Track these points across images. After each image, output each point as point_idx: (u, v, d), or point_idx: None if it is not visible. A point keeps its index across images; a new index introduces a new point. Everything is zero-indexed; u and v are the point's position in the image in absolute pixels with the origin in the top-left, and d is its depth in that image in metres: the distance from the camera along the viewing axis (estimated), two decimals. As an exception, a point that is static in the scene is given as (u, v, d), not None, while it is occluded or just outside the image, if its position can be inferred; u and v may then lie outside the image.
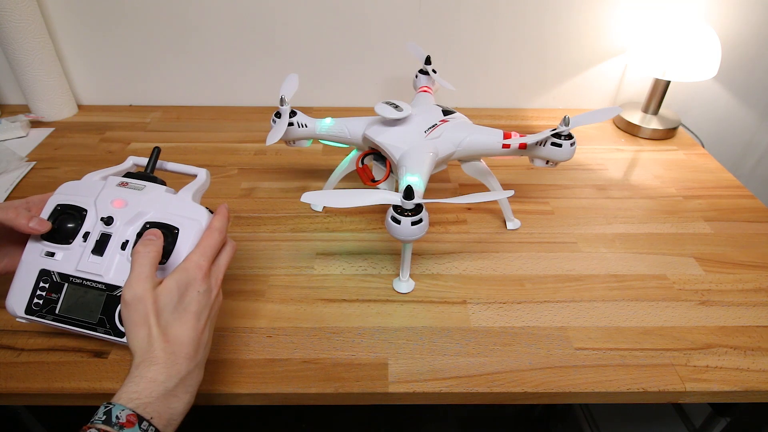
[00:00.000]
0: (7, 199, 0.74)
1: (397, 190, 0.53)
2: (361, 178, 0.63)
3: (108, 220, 0.46)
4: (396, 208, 0.51)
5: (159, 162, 0.53)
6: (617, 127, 0.98)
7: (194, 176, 0.52)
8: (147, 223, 0.46)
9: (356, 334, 0.54)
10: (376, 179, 0.64)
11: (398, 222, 0.50)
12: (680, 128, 0.97)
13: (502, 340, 0.54)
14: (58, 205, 0.48)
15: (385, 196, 0.51)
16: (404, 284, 0.60)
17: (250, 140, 0.90)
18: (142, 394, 0.36)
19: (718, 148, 1.09)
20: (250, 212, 0.72)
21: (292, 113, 0.63)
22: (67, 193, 0.49)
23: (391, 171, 0.61)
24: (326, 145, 0.89)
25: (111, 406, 0.35)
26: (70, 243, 0.47)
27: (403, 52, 0.95)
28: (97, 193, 0.48)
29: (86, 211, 0.48)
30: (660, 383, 0.50)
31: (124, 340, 0.44)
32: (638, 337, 0.55)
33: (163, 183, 0.50)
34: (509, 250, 0.66)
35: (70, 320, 0.46)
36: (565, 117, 0.58)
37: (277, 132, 0.61)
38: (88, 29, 0.92)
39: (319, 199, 0.55)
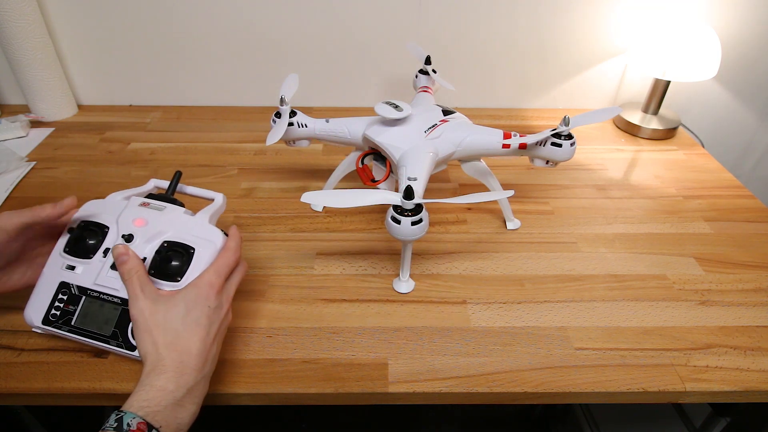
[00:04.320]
0: (7, 199, 0.74)
1: (397, 190, 0.53)
2: (361, 178, 0.63)
3: (128, 238, 0.49)
4: (396, 208, 0.51)
5: (179, 185, 0.55)
6: (617, 127, 0.98)
7: (211, 200, 0.55)
8: (165, 242, 0.48)
9: (356, 334, 0.54)
10: (376, 179, 0.64)
11: (398, 222, 0.50)
12: (680, 128, 0.97)
13: (502, 340, 0.54)
14: (81, 221, 0.50)
15: (385, 196, 0.51)
16: (404, 284, 0.60)
17: (250, 140, 0.90)
18: (152, 402, 0.37)
19: (718, 148, 1.09)
20: (250, 212, 0.72)
21: (292, 113, 0.63)
22: (90, 211, 0.51)
23: (391, 171, 0.61)
24: (326, 145, 0.89)
25: (122, 413, 0.36)
26: (91, 258, 0.49)
27: (403, 52, 0.95)
28: (120, 211, 0.51)
29: (108, 228, 0.50)
30: (660, 383, 0.50)
31: (135, 353, 0.46)
32: (638, 337, 0.55)
33: (182, 205, 0.53)
34: (509, 250, 0.66)
35: (84, 332, 0.48)
36: (565, 117, 0.58)
37: (277, 132, 0.61)
38: (88, 29, 0.92)
39: (319, 199, 0.55)
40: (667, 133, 0.94)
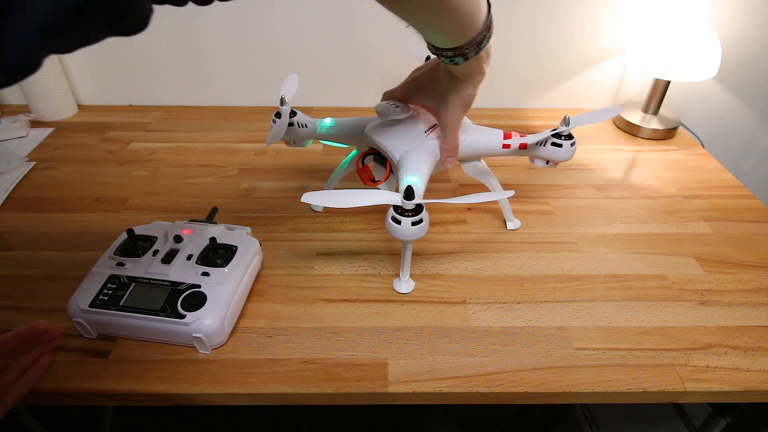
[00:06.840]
0: (7, 199, 0.74)
1: (397, 190, 0.53)
2: (361, 178, 0.63)
3: (177, 238, 0.56)
4: (396, 208, 0.51)
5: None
6: (617, 127, 0.98)
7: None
8: (211, 238, 0.54)
9: (356, 334, 0.54)
10: (376, 179, 0.64)
11: (398, 222, 0.50)
12: (680, 128, 0.97)
13: (502, 340, 0.54)
14: (133, 233, 0.56)
15: (385, 196, 0.51)
16: (404, 284, 0.60)
17: (250, 140, 0.90)
18: None
19: (718, 148, 1.09)
20: (250, 212, 0.72)
21: (292, 113, 0.63)
22: (138, 231, 0.57)
23: (391, 171, 0.61)
24: (326, 145, 0.89)
25: None
26: (141, 257, 0.54)
27: (403, 52, 0.95)
28: (167, 228, 0.58)
29: (156, 238, 0.57)
30: (660, 383, 0.50)
31: (184, 321, 0.49)
32: (638, 337, 0.55)
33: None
34: (509, 250, 0.66)
35: (132, 309, 0.50)
36: (565, 117, 0.58)
37: (277, 132, 0.61)
38: (88, 29, 0.92)
39: (319, 199, 0.55)
40: (667, 133, 0.94)
